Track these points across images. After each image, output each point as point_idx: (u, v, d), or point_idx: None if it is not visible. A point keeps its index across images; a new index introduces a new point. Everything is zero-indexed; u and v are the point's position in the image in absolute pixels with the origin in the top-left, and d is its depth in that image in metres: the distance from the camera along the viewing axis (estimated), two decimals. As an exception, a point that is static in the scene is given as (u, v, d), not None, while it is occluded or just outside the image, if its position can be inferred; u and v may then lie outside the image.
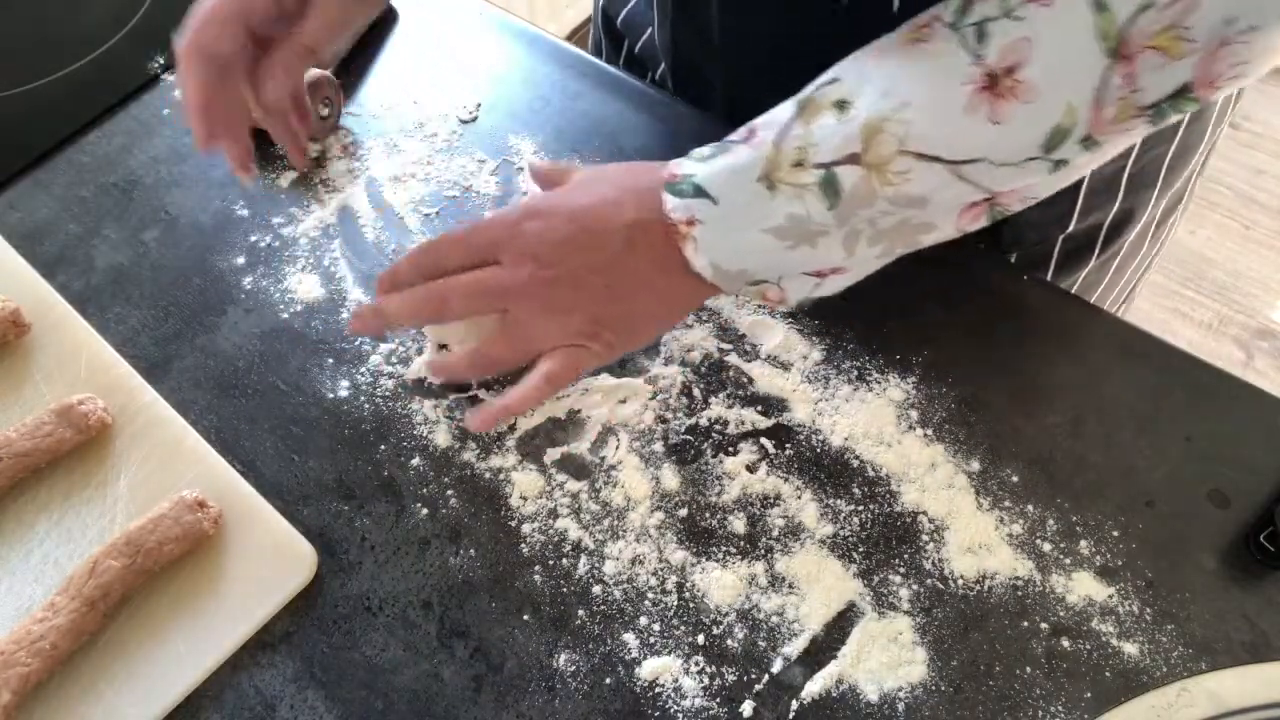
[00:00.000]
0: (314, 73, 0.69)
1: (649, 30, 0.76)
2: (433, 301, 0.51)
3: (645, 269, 0.49)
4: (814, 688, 0.49)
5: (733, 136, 0.47)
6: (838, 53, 0.46)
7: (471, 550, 0.53)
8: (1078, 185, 0.65)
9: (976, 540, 0.52)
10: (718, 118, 0.71)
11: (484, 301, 0.50)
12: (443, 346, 0.61)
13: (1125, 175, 0.66)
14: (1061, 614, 0.50)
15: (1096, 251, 0.71)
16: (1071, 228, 0.68)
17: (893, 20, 0.52)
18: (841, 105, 0.43)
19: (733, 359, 0.60)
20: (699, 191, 0.46)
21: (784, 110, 0.46)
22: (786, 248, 0.46)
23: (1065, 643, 0.49)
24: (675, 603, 0.51)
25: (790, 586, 0.52)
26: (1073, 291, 0.73)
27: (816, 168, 0.43)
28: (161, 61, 0.76)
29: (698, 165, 0.47)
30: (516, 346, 0.51)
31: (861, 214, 0.44)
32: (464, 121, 0.72)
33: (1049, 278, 0.71)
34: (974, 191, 0.43)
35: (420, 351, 0.61)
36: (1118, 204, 0.68)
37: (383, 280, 0.53)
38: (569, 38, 1.82)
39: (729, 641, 0.50)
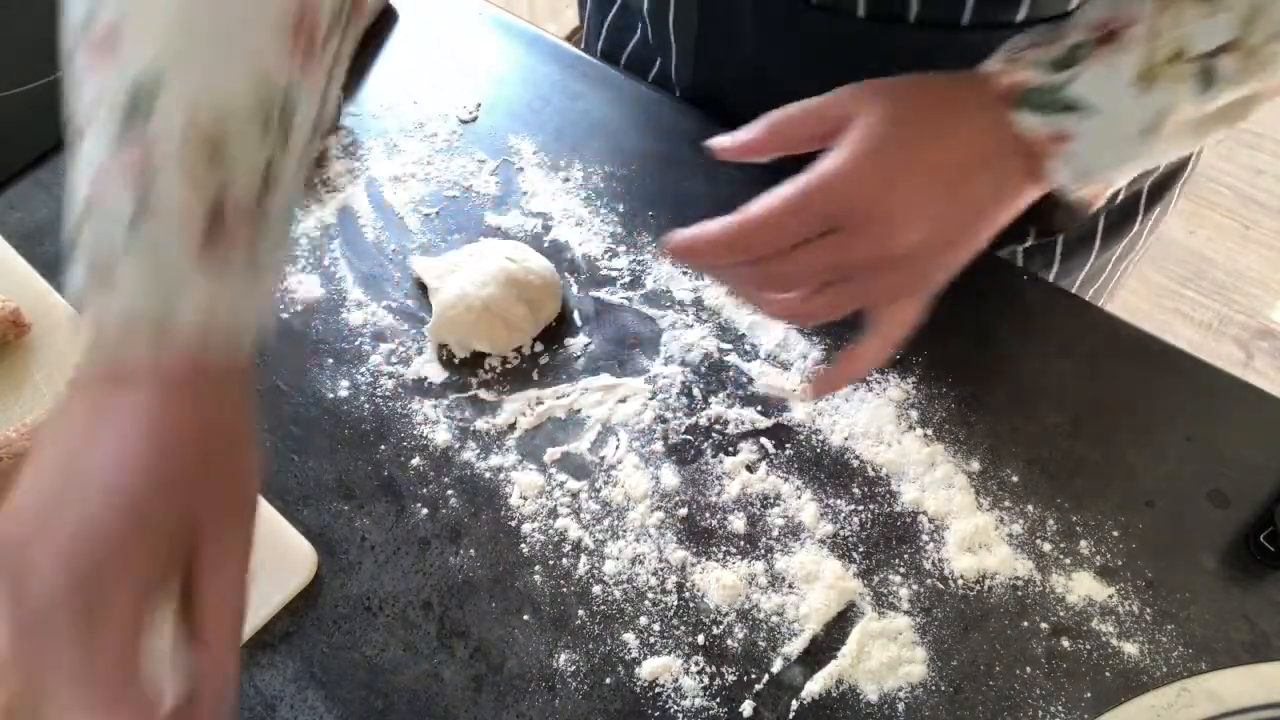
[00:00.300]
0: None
1: (655, 67, 0.75)
2: (850, 294, 0.44)
3: (1002, 200, 0.45)
4: (814, 688, 0.49)
5: (1072, 36, 0.43)
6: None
7: (471, 550, 0.53)
8: None
9: (976, 540, 0.52)
10: (720, 120, 0.71)
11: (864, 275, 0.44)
12: (443, 346, 0.61)
13: None
14: (1061, 614, 0.50)
15: (1140, 216, 0.71)
16: (1121, 197, 0.68)
17: (956, 46, 0.51)
18: None
19: (732, 358, 0.60)
20: (1071, 104, 0.42)
21: (1135, 1, 0.42)
22: (1145, 143, 0.43)
23: (1065, 643, 0.49)
24: (675, 602, 0.51)
25: (790, 586, 0.52)
26: (1113, 260, 0.73)
27: (1194, 60, 0.41)
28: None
29: (1051, 74, 0.43)
30: (847, 305, 0.46)
31: (1223, 99, 0.43)
32: (464, 121, 0.72)
33: (1095, 250, 0.71)
34: None
35: (420, 352, 0.61)
36: (1161, 166, 0.68)
37: (699, 248, 0.43)
38: (569, 38, 1.82)
39: (729, 641, 0.50)
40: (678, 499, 0.55)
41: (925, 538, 0.53)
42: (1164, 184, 0.70)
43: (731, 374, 0.59)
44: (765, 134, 0.46)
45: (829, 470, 0.55)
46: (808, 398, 0.56)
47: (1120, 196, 0.68)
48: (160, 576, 0.34)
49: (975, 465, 0.55)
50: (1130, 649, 0.49)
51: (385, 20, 0.79)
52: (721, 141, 0.46)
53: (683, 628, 0.51)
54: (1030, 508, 0.53)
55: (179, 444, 0.35)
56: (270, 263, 0.39)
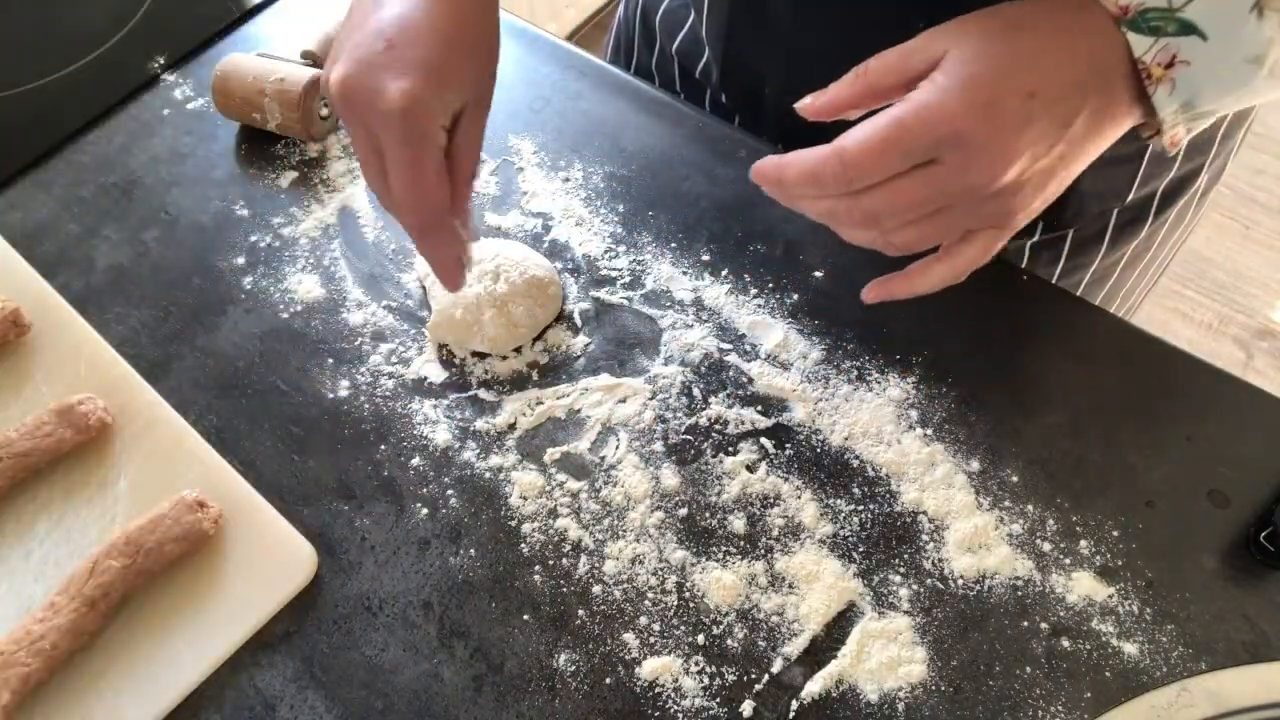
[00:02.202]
0: (314, 73, 0.69)
1: (687, 24, 0.74)
2: (943, 226, 0.44)
3: (1102, 128, 0.43)
4: (814, 688, 0.49)
5: None
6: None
7: (471, 550, 0.53)
8: (1141, 152, 0.64)
9: (976, 540, 0.52)
10: (719, 119, 0.71)
11: (948, 211, 0.44)
12: (443, 346, 0.61)
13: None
14: (1061, 614, 0.50)
15: (1150, 220, 0.70)
16: (1130, 198, 0.67)
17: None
18: None
19: (732, 359, 0.60)
20: (1187, 26, 0.41)
21: None
22: (1250, 75, 0.42)
23: (1065, 643, 0.49)
24: (675, 602, 0.51)
25: (790, 586, 0.52)
26: (1122, 263, 0.73)
27: None
28: (161, 61, 0.76)
29: None
30: (935, 239, 0.45)
31: None
32: (464, 121, 0.72)
33: (1103, 250, 0.71)
34: None
35: (420, 351, 0.61)
36: (1174, 170, 0.67)
37: (791, 177, 0.44)
38: (569, 38, 1.82)
39: (729, 641, 0.50)
40: (678, 499, 0.55)
41: (925, 538, 0.53)
42: (1176, 190, 0.70)
43: (731, 374, 0.59)
44: (855, 83, 0.44)
45: (829, 470, 0.55)
46: (865, 299, 0.51)
47: (1131, 196, 0.68)
48: (446, 129, 0.48)
49: (975, 465, 0.55)
50: (1130, 649, 0.49)
51: (385, 20, 0.78)
52: (812, 100, 0.45)
53: (683, 628, 0.51)
54: (1030, 508, 0.53)
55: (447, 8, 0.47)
56: None
